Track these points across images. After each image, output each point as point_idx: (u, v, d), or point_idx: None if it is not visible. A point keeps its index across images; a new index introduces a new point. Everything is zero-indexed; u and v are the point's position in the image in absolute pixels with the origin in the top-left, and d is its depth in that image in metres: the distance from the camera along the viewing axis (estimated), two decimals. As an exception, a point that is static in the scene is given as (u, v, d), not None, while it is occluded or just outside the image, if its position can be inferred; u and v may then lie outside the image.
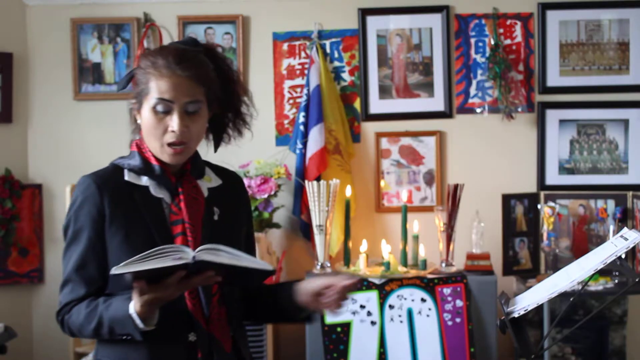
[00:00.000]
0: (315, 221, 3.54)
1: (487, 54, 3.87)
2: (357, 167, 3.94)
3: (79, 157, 3.92)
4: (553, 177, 3.92)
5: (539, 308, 3.47)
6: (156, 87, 1.73)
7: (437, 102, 3.94)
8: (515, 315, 1.63)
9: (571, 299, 3.30)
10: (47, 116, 3.98)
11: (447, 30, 3.90)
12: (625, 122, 3.90)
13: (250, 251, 1.92)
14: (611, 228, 3.70)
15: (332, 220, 3.59)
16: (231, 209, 1.87)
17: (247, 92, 1.93)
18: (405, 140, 3.94)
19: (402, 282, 3.41)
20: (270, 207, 3.70)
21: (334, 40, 3.95)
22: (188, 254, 1.58)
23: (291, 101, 3.96)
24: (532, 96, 3.91)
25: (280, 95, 3.96)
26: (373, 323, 3.40)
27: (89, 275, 1.74)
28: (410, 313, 3.40)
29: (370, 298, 3.41)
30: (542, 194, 3.85)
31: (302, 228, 3.87)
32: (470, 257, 3.58)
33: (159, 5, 3.94)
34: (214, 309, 1.77)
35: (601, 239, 3.74)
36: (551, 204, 3.74)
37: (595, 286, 3.47)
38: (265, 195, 3.65)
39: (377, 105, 3.94)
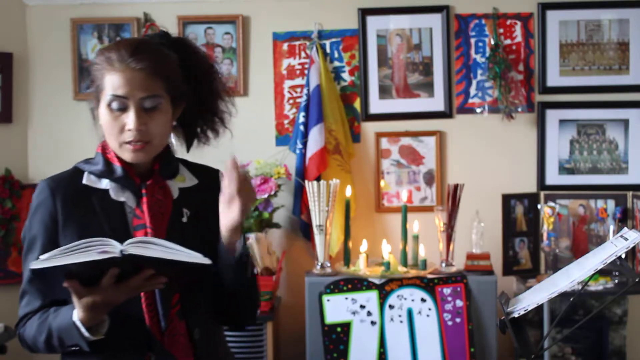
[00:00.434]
0: (315, 221, 3.54)
1: (487, 54, 3.87)
2: (357, 167, 3.94)
3: (79, 157, 3.82)
4: (553, 177, 3.91)
5: (539, 308, 3.47)
6: (110, 83, 1.61)
7: (437, 102, 3.93)
8: (515, 315, 1.63)
9: (571, 299, 3.30)
10: (47, 116, 3.98)
11: (447, 30, 3.90)
12: (625, 122, 3.90)
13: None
14: (611, 228, 3.70)
15: (332, 220, 3.59)
16: (206, 209, 1.71)
17: (226, 88, 1.80)
18: (405, 140, 3.94)
19: (402, 282, 3.41)
20: (270, 207, 3.70)
21: (334, 40, 3.94)
22: (115, 248, 1.45)
23: (291, 101, 3.95)
24: (532, 96, 3.91)
25: (280, 95, 3.96)
26: (373, 323, 3.40)
27: (43, 285, 1.64)
28: (410, 313, 3.40)
29: (370, 298, 3.41)
30: (542, 194, 3.85)
31: (302, 228, 3.87)
32: (470, 257, 3.58)
33: (159, 5, 3.94)
34: (171, 322, 1.63)
35: (601, 239, 3.74)
36: (551, 204, 3.74)
37: (595, 286, 3.47)
38: (265, 195, 3.66)
39: (377, 105, 3.94)
